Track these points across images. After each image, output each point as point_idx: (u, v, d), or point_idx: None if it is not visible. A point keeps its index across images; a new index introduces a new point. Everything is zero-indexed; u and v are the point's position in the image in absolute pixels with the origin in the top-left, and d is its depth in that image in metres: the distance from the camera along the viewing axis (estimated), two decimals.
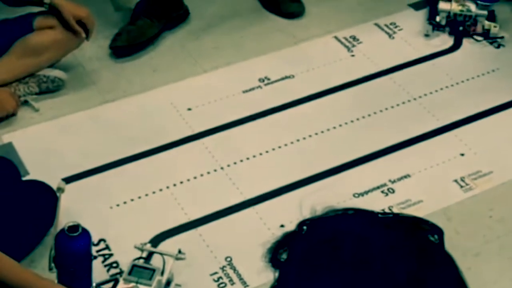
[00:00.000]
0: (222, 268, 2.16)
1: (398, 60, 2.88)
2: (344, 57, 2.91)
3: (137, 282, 1.97)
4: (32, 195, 2.20)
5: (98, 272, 2.13)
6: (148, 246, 2.14)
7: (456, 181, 2.43)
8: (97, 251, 2.19)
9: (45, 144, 2.52)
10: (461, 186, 2.41)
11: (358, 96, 2.74)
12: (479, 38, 2.96)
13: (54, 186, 2.24)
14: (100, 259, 2.17)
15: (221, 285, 2.12)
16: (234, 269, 2.15)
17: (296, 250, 0.97)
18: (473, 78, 2.82)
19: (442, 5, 2.98)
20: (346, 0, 3.17)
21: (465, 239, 2.24)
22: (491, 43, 2.95)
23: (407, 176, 2.44)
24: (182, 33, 3.00)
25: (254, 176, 2.42)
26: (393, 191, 2.39)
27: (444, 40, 2.97)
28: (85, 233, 1.94)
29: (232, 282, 2.12)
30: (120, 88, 2.74)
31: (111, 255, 2.19)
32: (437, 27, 2.99)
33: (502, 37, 2.94)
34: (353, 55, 2.91)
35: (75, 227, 1.93)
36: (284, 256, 0.99)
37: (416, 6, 3.15)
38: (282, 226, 2.25)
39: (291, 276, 0.95)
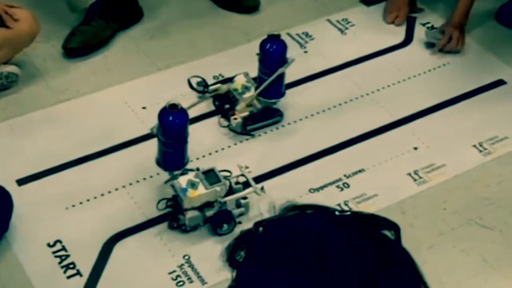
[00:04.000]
0: (180, 267, 2.16)
1: (350, 56, 2.91)
2: (297, 53, 2.91)
3: (201, 181, 2.18)
4: None
5: (55, 273, 2.13)
6: (246, 170, 2.32)
7: (410, 174, 2.46)
8: (54, 253, 2.18)
9: None
10: (415, 180, 2.44)
11: (311, 92, 2.76)
12: (225, 123, 2.56)
13: (9, 188, 2.23)
14: (57, 260, 2.16)
15: (179, 284, 2.12)
16: (192, 267, 2.16)
17: (253, 251, 0.97)
18: (425, 72, 2.86)
19: (237, 78, 2.61)
20: None
21: (419, 232, 2.28)
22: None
23: (361, 170, 2.47)
24: (136, 32, 2.99)
25: None
26: (348, 186, 2.41)
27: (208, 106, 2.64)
28: (183, 111, 2.19)
29: (190, 280, 2.13)
30: (74, 88, 2.73)
31: (67, 256, 2.18)
32: (197, 91, 2.61)
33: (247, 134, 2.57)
34: (306, 51, 2.93)
35: (175, 105, 2.16)
36: (242, 254, 1.00)
37: (367, 2, 3.18)
38: (239, 222, 2.26)
39: (248, 276, 0.96)
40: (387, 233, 1.01)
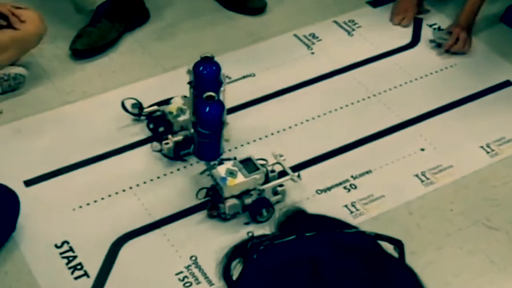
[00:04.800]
0: (187, 267, 2.16)
1: (357, 57, 2.91)
2: (304, 54, 2.92)
3: (239, 169, 2.22)
4: None
5: (62, 274, 2.13)
6: (281, 159, 2.35)
7: (417, 175, 2.46)
8: (61, 253, 2.18)
9: (5, 147, 2.50)
10: (422, 181, 2.44)
11: (318, 94, 2.76)
12: (158, 147, 2.43)
13: (16, 189, 2.23)
14: (64, 261, 2.16)
15: (187, 284, 2.12)
16: (199, 268, 2.15)
17: (248, 276, 0.96)
18: (431, 73, 2.85)
19: (173, 100, 2.51)
20: None
21: (426, 233, 2.27)
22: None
23: (368, 171, 2.46)
24: (142, 33, 2.99)
25: None
26: (355, 187, 2.41)
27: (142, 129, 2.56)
28: (220, 102, 2.26)
29: (197, 281, 2.13)
30: (80, 89, 2.73)
31: (75, 257, 2.18)
32: (132, 114, 2.56)
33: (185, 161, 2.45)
34: (312, 53, 2.93)
35: (211, 96, 2.23)
36: (238, 268, 0.99)
37: (374, 4, 3.18)
38: (246, 223, 2.26)
39: None
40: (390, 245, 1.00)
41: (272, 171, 2.31)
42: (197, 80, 2.39)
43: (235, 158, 2.29)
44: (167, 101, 2.53)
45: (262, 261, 0.96)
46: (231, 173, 2.22)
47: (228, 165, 2.25)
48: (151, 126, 2.52)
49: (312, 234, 0.97)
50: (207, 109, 2.23)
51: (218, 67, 2.39)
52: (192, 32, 3.01)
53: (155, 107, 2.54)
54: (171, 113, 2.46)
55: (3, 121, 2.59)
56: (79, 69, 2.82)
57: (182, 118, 2.46)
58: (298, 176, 2.33)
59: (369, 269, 0.92)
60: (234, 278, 0.99)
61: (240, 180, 2.22)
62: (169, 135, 2.44)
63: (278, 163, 2.35)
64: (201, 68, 2.38)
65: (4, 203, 2.18)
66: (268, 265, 0.95)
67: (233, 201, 2.23)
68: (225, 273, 1.00)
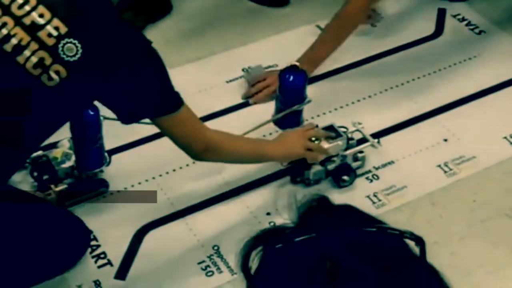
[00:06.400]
0: (210, 257, 2.17)
1: (379, 48, 2.90)
2: None
3: (323, 135, 2.30)
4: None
5: (86, 263, 2.15)
6: (360, 126, 2.42)
7: (439, 166, 2.45)
8: None
9: None
10: (445, 171, 2.43)
11: (340, 85, 2.75)
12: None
13: None
14: (88, 250, 2.18)
15: (209, 274, 2.13)
16: (222, 258, 2.17)
17: (264, 271, 0.96)
18: (455, 64, 2.84)
19: (60, 144, 2.30)
20: None
21: (449, 224, 2.27)
22: (472, 29, 2.97)
23: (391, 162, 2.46)
24: (165, 25, 3.00)
25: (240, 165, 2.43)
26: (378, 178, 2.41)
27: None
28: (303, 72, 2.39)
29: (219, 270, 2.14)
30: None
31: (98, 246, 2.20)
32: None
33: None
34: None
35: (295, 66, 2.37)
36: (256, 260, 0.98)
37: None
38: (268, 214, 2.27)
39: None
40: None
41: (351, 138, 2.37)
42: (84, 126, 2.18)
43: (317, 126, 2.35)
44: (53, 145, 2.29)
45: (279, 257, 0.96)
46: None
47: (308, 126, 2.34)
48: (34, 174, 2.25)
49: (334, 232, 0.95)
50: (291, 78, 2.35)
51: (97, 113, 2.16)
52: (214, 23, 3.01)
53: (40, 152, 2.26)
54: (55, 159, 2.23)
55: None
56: None
57: (67, 164, 2.23)
58: (378, 142, 2.40)
59: (391, 276, 0.91)
60: (252, 270, 0.99)
61: (324, 147, 2.28)
62: (52, 184, 2.20)
63: (358, 130, 2.40)
64: (85, 114, 2.15)
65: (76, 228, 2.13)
66: (285, 263, 0.95)
67: (317, 167, 2.31)
68: (244, 264, 0.99)
